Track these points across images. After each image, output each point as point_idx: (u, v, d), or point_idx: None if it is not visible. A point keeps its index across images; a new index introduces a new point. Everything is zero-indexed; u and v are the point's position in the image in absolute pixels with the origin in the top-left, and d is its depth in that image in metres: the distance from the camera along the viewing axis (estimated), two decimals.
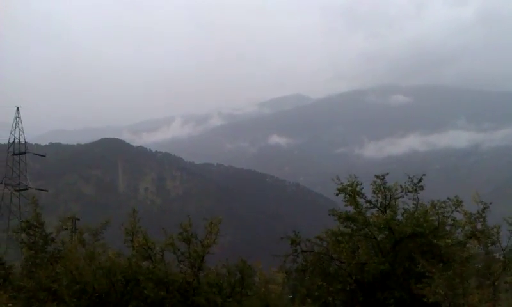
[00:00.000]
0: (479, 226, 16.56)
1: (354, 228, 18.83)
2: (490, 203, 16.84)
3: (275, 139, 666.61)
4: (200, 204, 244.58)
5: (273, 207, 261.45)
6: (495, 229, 16.11)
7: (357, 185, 18.98)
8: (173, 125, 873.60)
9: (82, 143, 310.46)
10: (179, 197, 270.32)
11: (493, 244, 15.90)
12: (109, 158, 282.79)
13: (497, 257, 16.23)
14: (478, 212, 16.77)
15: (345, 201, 19.16)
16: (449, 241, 14.83)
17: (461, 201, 17.32)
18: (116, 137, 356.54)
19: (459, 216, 17.52)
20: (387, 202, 18.73)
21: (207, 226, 17.69)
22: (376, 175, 19.08)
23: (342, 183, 19.16)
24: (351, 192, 18.90)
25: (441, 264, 15.37)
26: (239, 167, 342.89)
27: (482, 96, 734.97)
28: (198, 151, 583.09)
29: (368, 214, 18.96)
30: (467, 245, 15.95)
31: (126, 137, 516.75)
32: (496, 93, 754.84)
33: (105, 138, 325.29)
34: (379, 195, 18.94)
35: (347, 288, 18.93)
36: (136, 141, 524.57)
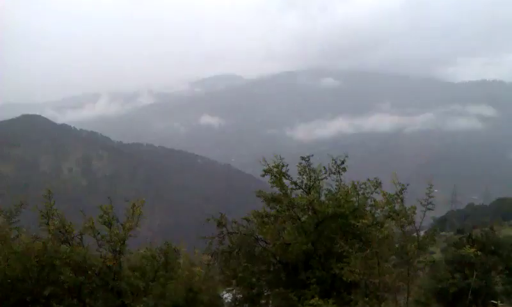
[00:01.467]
0: (397, 207, 17.17)
1: (280, 209, 19.07)
2: (407, 185, 17.50)
3: (207, 119, 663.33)
4: (128, 186, 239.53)
5: (204, 189, 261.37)
6: (411, 210, 16.78)
7: (283, 166, 19.14)
8: (99, 102, 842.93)
9: (1, 120, 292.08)
10: (106, 178, 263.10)
11: (409, 224, 16.60)
12: (29, 136, 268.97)
13: (415, 237, 17.01)
14: (396, 193, 17.37)
15: (271, 183, 19.31)
16: (366, 221, 15.36)
17: (380, 182, 17.95)
18: (37, 113, 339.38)
19: (379, 197, 18.09)
20: (311, 183, 19.07)
21: (129, 208, 17.20)
22: (301, 157, 19.33)
23: (268, 164, 19.25)
24: (277, 173, 19.06)
25: (359, 244, 15.98)
26: (170, 148, 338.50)
27: (406, 81, 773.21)
28: (126, 130, 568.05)
29: (293, 195, 19.24)
30: (385, 225, 16.57)
31: (49, 114, 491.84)
32: (420, 78, 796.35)
33: (26, 115, 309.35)
34: (304, 176, 19.22)
35: (271, 269, 19.29)
36: (59, 118, 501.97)
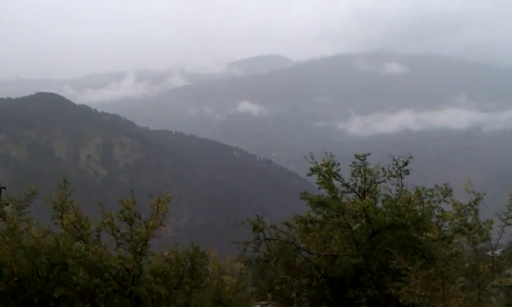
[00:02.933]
0: (470, 220, 16.83)
1: (327, 214, 18.97)
2: (484, 194, 17.11)
3: (246, 106, 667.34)
4: (154, 179, 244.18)
5: (239, 186, 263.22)
6: (486, 224, 16.40)
7: (333, 164, 19.04)
8: (124, 81, 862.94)
9: (13, 97, 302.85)
10: (129, 169, 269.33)
11: (484, 240, 16.23)
12: (45, 116, 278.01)
13: (490, 256, 16.62)
14: (469, 204, 17.03)
15: (318, 183, 19.24)
16: (431, 235, 15.08)
17: (451, 190, 17.58)
18: (54, 92, 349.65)
19: (449, 208, 17.78)
20: (366, 187, 18.92)
21: (153, 204, 17.53)
22: (355, 155, 19.20)
23: (315, 162, 19.18)
24: (326, 173, 18.98)
25: (421, 261, 15.71)
26: (202, 138, 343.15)
27: (488, 71, 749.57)
28: (153, 115, 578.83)
29: (344, 200, 19.12)
30: (454, 241, 16.26)
31: (67, 93, 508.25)
32: (504, 68, 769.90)
33: (42, 92, 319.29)
34: (359, 178, 19.09)
35: (314, 283, 19.22)
36: (79, 98, 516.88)
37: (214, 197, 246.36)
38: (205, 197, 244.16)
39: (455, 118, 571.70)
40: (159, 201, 17.63)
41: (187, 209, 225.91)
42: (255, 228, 19.34)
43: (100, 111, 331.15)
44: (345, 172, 19.25)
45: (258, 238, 19.39)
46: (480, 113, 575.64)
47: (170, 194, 18.24)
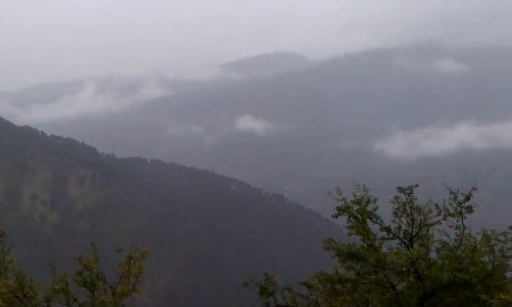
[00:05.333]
0: None
1: (362, 270, 18.92)
2: None
3: (247, 123, 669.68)
4: (123, 226, 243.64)
5: (240, 231, 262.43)
6: None
7: (368, 201, 19.00)
8: (82, 93, 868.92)
9: None
10: (89, 213, 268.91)
11: None
12: None
13: None
14: None
15: (348, 228, 19.20)
16: (506, 297, 15.00)
17: None
18: None
19: None
20: (415, 231, 18.86)
21: (123, 262, 17.50)
22: (398, 187, 19.19)
23: (343, 198, 19.17)
24: (359, 213, 18.94)
25: None
26: (188, 166, 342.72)
27: None
28: (121, 137, 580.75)
29: (385, 249, 19.06)
30: None
31: (4, 109, 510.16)
32: None
33: None
34: (403, 219, 19.04)
35: None
36: (21, 116, 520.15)
37: (206, 248, 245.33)
38: (193, 249, 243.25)
39: None
40: (130, 257, 17.57)
41: (169, 265, 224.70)
42: (263, 291, 19.30)
43: (49, 134, 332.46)
44: (385, 210, 19.21)
45: (268, 305, 19.30)
46: None
47: (146, 248, 18.20)
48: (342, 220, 19.29)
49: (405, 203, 18.78)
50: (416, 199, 18.81)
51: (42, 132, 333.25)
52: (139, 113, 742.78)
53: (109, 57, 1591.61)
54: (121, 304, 17.35)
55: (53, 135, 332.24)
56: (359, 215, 18.79)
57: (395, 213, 18.96)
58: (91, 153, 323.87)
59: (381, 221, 19.01)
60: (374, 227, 18.99)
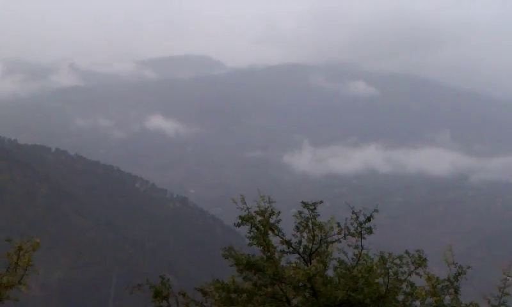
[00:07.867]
0: (448, 301, 17.05)
1: (259, 281, 18.83)
2: (468, 268, 17.43)
3: (158, 122, 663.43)
4: (18, 214, 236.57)
5: (141, 231, 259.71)
6: None
7: (272, 213, 18.90)
8: None
9: None
10: None
11: None
12: None
13: None
14: (449, 279, 17.28)
15: (250, 238, 19.06)
16: None
17: (425, 259, 17.82)
18: None
19: (421, 282, 17.96)
20: (315, 247, 18.88)
21: (11, 252, 16.82)
22: (303, 202, 19.16)
23: (248, 208, 19.02)
24: (261, 224, 18.81)
25: None
26: (94, 160, 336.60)
27: (485, 103, 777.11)
28: (26, 123, 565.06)
29: (284, 262, 19.03)
30: None
31: None
32: (502, 101, 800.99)
33: None
34: (305, 234, 19.03)
35: None
36: None
37: (104, 244, 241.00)
38: (90, 244, 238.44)
39: (434, 160, 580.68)
40: (20, 248, 16.89)
41: (64, 258, 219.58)
42: (157, 295, 19.01)
43: None
44: (288, 223, 19.15)
45: None
46: (465, 157, 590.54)
47: (38, 240, 17.52)
48: (245, 229, 19.16)
49: (308, 218, 18.76)
50: (319, 215, 18.83)
51: None
52: (47, 100, 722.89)
53: (21, 38, 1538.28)
54: (6, 296, 16.70)
55: None
56: (261, 227, 18.69)
57: (297, 228, 18.93)
58: None
59: (283, 234, 18.94)
60: (275, 239, 18.92)
